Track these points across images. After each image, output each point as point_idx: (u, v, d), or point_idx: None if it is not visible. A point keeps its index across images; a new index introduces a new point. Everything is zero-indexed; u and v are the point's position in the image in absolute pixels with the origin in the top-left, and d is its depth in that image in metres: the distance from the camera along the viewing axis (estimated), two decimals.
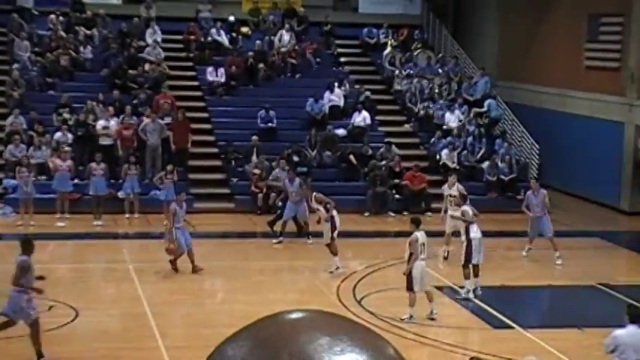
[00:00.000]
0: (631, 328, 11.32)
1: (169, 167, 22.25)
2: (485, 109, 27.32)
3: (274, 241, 20.33)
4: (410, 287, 14.81)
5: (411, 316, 14.83)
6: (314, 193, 18.25)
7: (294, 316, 1.01)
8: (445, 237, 18.82)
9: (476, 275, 16.44)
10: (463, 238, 16.62)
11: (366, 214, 23.22)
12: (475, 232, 16.48)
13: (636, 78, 24.05)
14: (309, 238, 20.03)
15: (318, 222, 18.06)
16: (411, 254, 14.80)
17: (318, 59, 28.99)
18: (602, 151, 25.15)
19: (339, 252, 17.70)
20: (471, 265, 16.35)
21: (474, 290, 16.38)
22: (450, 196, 19.01)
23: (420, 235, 14.97)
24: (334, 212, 17.70)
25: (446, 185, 19.66)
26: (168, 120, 24.81)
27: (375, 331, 1.03)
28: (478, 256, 16.38)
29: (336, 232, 17.55)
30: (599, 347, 11.53)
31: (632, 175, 24.39)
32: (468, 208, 16.84)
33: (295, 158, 24.63)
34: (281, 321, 1.01)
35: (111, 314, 15.47)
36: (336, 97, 26.86)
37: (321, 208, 17.81)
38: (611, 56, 25.13)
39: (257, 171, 24.00)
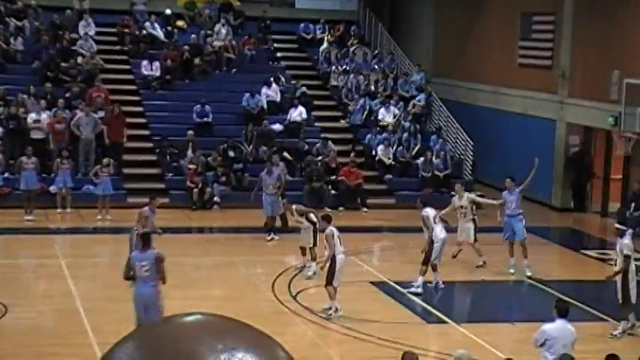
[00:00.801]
0: (559, 323, 11.52)
1: (105, 160, 21.98)
2: (418, 102, 27.55)
3: (267, 237, 20.06)
4: (329, 282, 14.81)
5: (337, 309, 14.80)
6: (294, 206, 18.02)
7: (185, 319, 1.00)
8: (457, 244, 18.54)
9: (434, 269, 16.62)
10: (427, 236, 16.60)
11: None
12: (440, 232, 16.52)
13: (568, 76, 24.47)
14: (273, 234, 19.91)
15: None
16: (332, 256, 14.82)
17: (254, 54, 28.89)
18: (534, 148, 25.49)
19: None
20: (429, 264, 16.43)
21: (436, 284, 16.57)
22: (461, 207, 18.45)
23: (335, 229, 15.01)
24: (314, 218, 17.50)
25: (456, 197, 18.73)
26: (102, 114, 24.49)
27: (268, 334, 1.02)
28: (439, 256, 16.50)
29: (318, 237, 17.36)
30: (530, 341, 11.71)
31: (563, 172, 24.81)
32: (432, 212, 16.77)
33: (231, 153, 24.53)
34: (171, 324, 1.00)
35: (42, 310, 15.22)
36: (272, 92, 26.81)
37: (303, 220, 17.63)
38: (543, 54, 25.53)
39: (192, 166, 23.85)
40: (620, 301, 14.62)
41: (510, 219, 18.12)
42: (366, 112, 27.01)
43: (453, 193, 19.42)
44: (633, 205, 22.23)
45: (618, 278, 14.58)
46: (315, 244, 17.33)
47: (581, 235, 22.34)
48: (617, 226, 15.40)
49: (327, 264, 14.91)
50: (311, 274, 17.19)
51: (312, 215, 17.60)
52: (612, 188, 24.12)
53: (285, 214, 18.66)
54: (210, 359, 0.94)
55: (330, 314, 14.82)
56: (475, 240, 18.38)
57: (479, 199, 19.08)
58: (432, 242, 16.52)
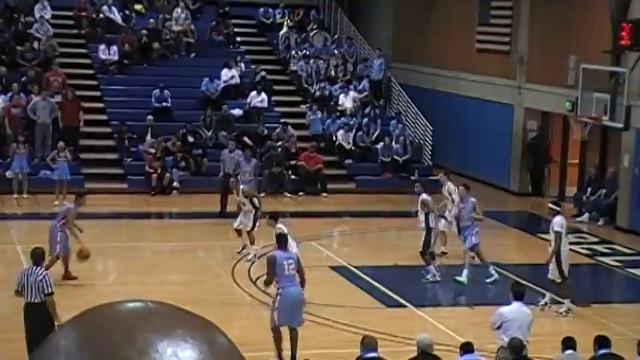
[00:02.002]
0: (515, 305, 11.65)
1: (61, 145, 21.76)
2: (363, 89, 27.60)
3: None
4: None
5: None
6: (241, 187, 18.02)
7: (125, 306, 0.99)
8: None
9: (433, 258, 16.61)
10: (423, 225, 16.40)
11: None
12: (433, 221, 16.39)
13: (525, 61, 24.64)
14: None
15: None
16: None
17: (213, 38, 28.73)
18: (493, 133, 25.73)
19: (241, 235, 17.61)
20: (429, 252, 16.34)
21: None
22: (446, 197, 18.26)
23: (283, 226, 14.79)
24: (257, 203, 17.59)
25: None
26: (58, 98, 24.22)
27: (212, 322, 1.01)
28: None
29: (258, 222, 17.38)
30: (488, 324, 11.82)
31: (520, 157, 25.02)
32: (428, 198, 16.50)
33: (190, 138, 24.41)
34: (111, 311, 0.98)
35: None
36: (231, 76, 26.69)
37: (247, 202, 17.63)
38: (502, 40, 25.68)
39: (152, 150, 23.71)
40: (559, 280, 14.81)
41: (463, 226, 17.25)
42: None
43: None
44: (590, 189, 22.51)
45: (550, 255, 14.80)
46: (253, 228, 17.37)
47: (539, 219, 22.53)
48: (550, 205, 15.54)
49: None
50: (251, 257, 17.24)
51: (256, 200, 17.68)
52: (569, 173, 24.39)
53: (254, 200, 18.53)
54: (148, 349, 0.92)
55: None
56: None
57: (424, 197, 18.44)
58: (429, 229, 16.27)
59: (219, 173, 21.02)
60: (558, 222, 14.90)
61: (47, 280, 11.52)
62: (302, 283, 12.65)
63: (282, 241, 12.90)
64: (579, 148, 23.76)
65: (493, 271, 16.58)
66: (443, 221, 17.71)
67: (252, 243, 17.40)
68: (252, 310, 14.91)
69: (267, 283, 12.83)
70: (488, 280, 16.52)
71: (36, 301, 11.46)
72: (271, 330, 12.39)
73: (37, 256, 11.91)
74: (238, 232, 17.56)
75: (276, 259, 12.48)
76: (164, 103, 25.52)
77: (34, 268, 11.67)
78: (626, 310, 15.95)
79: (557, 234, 14.79)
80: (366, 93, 27.36)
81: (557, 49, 23.07)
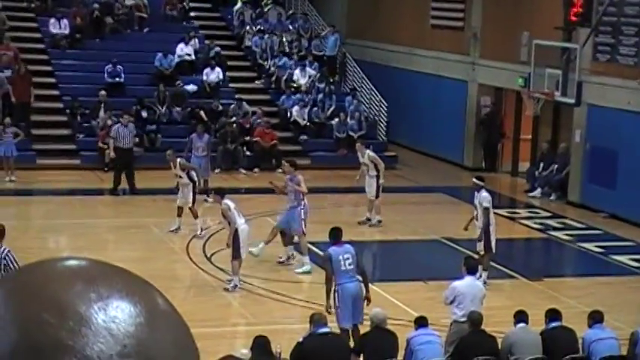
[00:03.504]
0: (468, 279, 11.78)
1: (7, 120, 21.49)
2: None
3: (210, 199, 19.84)
4: (235, 257, 14.27)
5: (236, 286, 14.35)
6: (178, 160, 17.94)
7: (54, 264, 0.96)
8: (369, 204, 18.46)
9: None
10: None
11: (217, 170, 23.09)
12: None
13: (479, 37, 24.77)
14: (209, 196, 19.80)
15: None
16: (229, 224, 14.35)
17: (167, 13, 28.44)
18: (447, 109, 25.86)
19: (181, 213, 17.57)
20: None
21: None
22: (364, 164, 18.55)
23: (230, 202, 14.59)
24: (195, 176, 17.67)
25: (359, 154, 18.77)
26: (8, 73, 23.83)
27: (146, 280, 0.99)
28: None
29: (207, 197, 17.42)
30: (442, 299, 11.94)
31: (474, 133, 25.20)
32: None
33: (144, 114, 24.19)
34: (39, 271, 0.95)
35: None
36: (185, 52, 26.47)
37: (184, 175, 17.59)
38: (455, 15, 25.77)
39: (109, 122, 23.35)
40: (482, 252, 14.97)
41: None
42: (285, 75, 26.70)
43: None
44: (542, 164, 22.76)
45: (480, 230, 14.94)
46: (193, 202, 17.37)
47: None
48: (475, 180, 15.66)
49: (231, 239, 14.28)
50: (199, 233, 17.21)
51: (193, 173, 17.67)
52: (522, 148, 24.63)
53: (192, 172, 18.45)
54: (82, 308, 0.90)
55: (228, 288, 14.33)
56: (377, 197, 18.56)
57: (378, 161, 18.82)
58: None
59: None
60: (487, 198, 15.06)
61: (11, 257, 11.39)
62: (364, 281, 12.03)
63: (336, 235, 12.39)
64: (532, 123, 23.99)
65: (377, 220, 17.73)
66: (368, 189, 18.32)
67: (195, 217, 17.41)
68: (206, 286, 14.89)
69: (328, 281, 12.04)
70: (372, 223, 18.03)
71: None
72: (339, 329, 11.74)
73: None
74: (180, 209, 17.44)
75: (332, 255, 11.97)
76: (117, 79, 25.24)
77: None
78: (578, 284, 16.21)
79: (487, 210, 14.94)
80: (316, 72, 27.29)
81: (510, 25, 23.22)
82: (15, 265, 11.33)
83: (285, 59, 27.11)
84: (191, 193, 17.43)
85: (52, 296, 0.90)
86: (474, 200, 15.37)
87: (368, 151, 18.83)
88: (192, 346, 0.97)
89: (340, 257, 11.97)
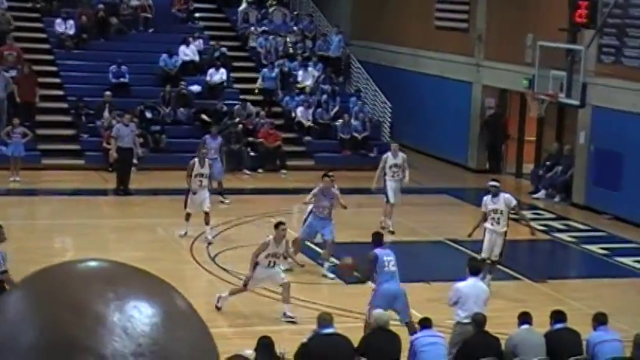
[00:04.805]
0: (471, 280, 11.78)
1: (16, 121, 21.50)
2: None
3: (227, 200, 19.82)
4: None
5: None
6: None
7: (74, 266, 0.96)
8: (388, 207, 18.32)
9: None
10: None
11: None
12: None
13: (484, 39, 24.76)
14: (225, 197, 19.78)
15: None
16: None
17: (172, 14, 28.47)
18: (451, 110, 25.85)
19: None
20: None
21: None
22: (396, 166, 18.28)
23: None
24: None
25: (390, 155, 18.43)
26: (13, 73, 23.88)
27: (166, 282, 0.99)
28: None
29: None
30: (445, 300, 11.94)
31: (478, 134, 25.20)
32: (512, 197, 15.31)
33: (148, 114, 24.22)
34: (60, 271, 0.96)
35: None
36: (190, 52, 26.50)
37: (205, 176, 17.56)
38: (460, 17, 25.77)
39: (114, 122, 23.41)
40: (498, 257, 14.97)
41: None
42: (278, 76, 26.62)
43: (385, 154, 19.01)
44: (547, 165, 22.75)
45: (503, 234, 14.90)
46: (185, 206, 17.20)
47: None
48: (494, 184, 15.10)
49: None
50: (211, 238, 17.04)
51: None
52: (526, 150, 24.62)
53: (217, 183, 18.36)
54: (99, 307, 0.91)
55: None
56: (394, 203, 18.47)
57: (406, 165, 18.62)
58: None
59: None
60: (511, 197, 15.06)
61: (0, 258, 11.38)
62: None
63: (378, 238, 12.87)
64: (536, 125, 23.98)
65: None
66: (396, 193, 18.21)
67: (207, 223, 17.16)
68: (210, 287, 14.90)
69: (364, 279, 12.70)
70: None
71: None
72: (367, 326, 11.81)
73: None
74: (188, 215, 17.19)
75: (378, 256, 12.39)
76: (122, 79, 25.27)
77: None
78: (582, 286, 16.19)
79: (516, 206, 14.96)
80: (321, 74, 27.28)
81: (515, 26, 23.21)
82: (2, 266, 11.31)
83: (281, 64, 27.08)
84: (209, 197, 17.29)
85: (70, 295, 0.91)
86: (487, 205, 14.88)
87: (402, 154, 18.56)
88: (211, 348, 0.97)
89: (385, 258, 12.33)
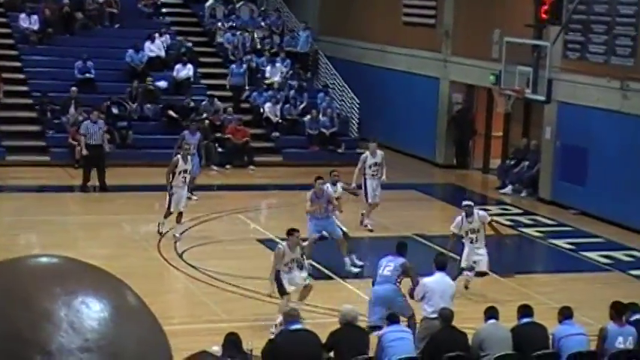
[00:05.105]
0: (437, 275, 11.84)
1: None
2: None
3: (195, 197, 19.60)
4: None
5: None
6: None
7: (22, 261, 0.95)
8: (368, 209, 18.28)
9: None
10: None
11: None
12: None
13: (451, 35, 24.85)
14: (193, 194, 19.64)
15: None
16: None
17: (139, 9, 28.28)
18: (419, 106, 25.93)
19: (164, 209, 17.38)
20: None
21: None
22: (375, 164, 18.15)
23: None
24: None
25: (368, 154, 18.38)
26: None
27: (117, 277, 0.98)
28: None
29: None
30: (413, 295, 11.96)
31: (446, 130, 25.30)
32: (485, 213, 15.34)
33: (115, 110, 24.05)
34: (6, 267, 0.95)
35: None
36: (155, 48, 26.35)
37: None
38: (427, 13, 25.85)
39: (80, 118, 23.23)
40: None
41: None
42: (245, 72, 26.55)
43: (361, 151, 18.98)
44: (514, 161, 22.90)
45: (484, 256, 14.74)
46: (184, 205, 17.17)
47: (464, 191, 22.86)
48: (468, 203, 14.92)
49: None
50: (178, 235, 16.98)
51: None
52: (493, 145, 24.75)
53: (191, 179, 18.26)
54: (46, 303, 0.90)
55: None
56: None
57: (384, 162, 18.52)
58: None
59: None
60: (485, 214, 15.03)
61: None
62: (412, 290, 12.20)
63: (401, 248, 12.93)
64: (503, 120, 24.12)
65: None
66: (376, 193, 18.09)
67: (179, 222, 17.11)
68: (178, 283, 14.83)
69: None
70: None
71: None
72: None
73: None
74: (180, 214, 17.10)
75: (381, 259, 12.59)
76: (87, 75, 25.07)
77: None
78: (548, 280, 16.33)
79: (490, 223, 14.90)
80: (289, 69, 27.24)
81: (482, 22, 23.32)
82: None
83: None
84: (185, 197, 17.17)
85: (18, 290, 0.90)
86: (461, 227, 14.45)
87: (380, 152, 18.44)
88: (161, 343, 0.96)
89: (383, 261, 12.49)
